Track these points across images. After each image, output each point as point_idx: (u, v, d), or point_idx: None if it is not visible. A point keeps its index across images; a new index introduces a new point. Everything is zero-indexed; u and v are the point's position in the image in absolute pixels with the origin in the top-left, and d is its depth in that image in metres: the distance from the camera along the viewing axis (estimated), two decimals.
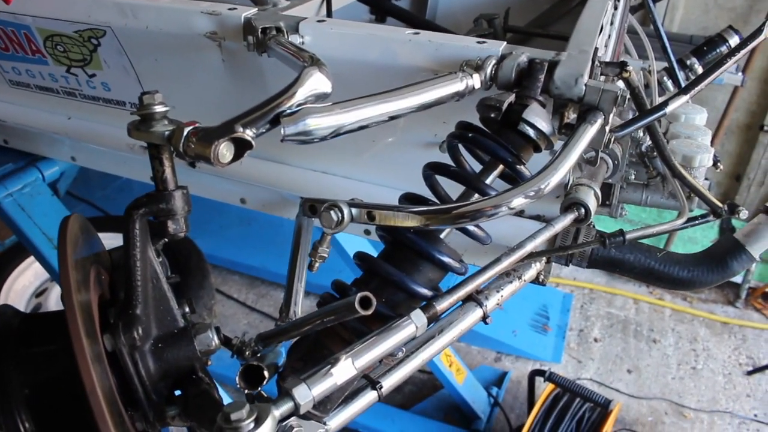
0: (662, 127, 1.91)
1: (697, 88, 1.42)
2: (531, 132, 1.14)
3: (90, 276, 1.10)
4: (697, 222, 1.76)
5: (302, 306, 1.53)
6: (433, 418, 3.37)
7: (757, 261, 1.42)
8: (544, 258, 1.50)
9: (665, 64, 2.15)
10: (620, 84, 1.30)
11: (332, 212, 1.07)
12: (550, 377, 2.95)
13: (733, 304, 4.25)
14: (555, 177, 1.03)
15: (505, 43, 1.29)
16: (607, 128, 1.21)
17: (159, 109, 1.04)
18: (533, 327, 3.98)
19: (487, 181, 1.18)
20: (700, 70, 2.30)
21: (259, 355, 1.25)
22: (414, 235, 1.13)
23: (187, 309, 1.35)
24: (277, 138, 1.89)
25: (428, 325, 1.09)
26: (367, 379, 1.30)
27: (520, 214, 1.60)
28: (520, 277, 1.49)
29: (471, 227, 1.15)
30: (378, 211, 1.06)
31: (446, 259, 1.13)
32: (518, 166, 1.15)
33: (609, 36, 1.71)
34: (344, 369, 0.99)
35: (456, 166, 1.24)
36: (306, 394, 0.95)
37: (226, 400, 1.03)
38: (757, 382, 3.74)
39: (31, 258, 3.18)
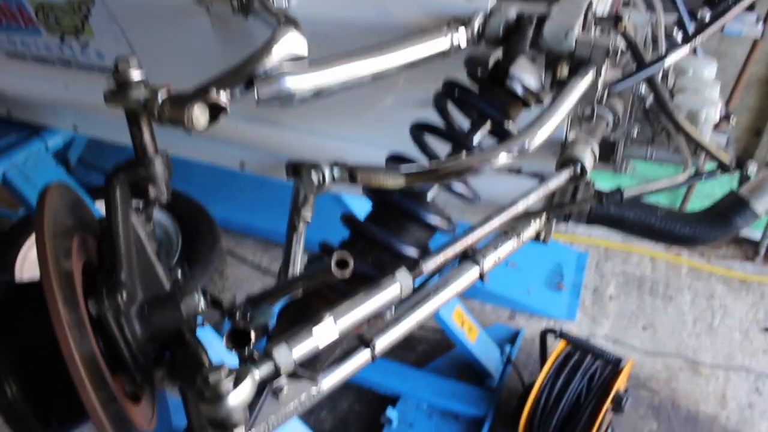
0: (670, 81, 1.86)
1: (697, 39, 1.37)
2: (518, 88, 1.12)
3: (73, 243, 1.10)
4: (703, 178, 1.72)
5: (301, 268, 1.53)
6: (446, 375, 3.39)
7: (760, 217, 1.38)
8: (544, 216, 1.48)
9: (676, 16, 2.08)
10: (616, 37, 1.26)
11: (313, 173, 1.05)
12: (562, 335, 2.93)
13: (751, 261, 4.18)
14: (541, 133, 1.01)
15: None
16: (600, 82, 1.18)
17: (134, 74, 1.03)
18: (547, 285, 3.96)
19: (475, 139, 1.16)
20: None
21: (249, 317, 1.26)
22: (399, 195, 1.11)
23: (180, 274, 1.36)
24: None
25: (415, 285, 1.08)
26: (361, 339, 1.30)
27: (518, 172, 1.57)
28: (518, 236, 1.48)
29: (458, 187, 1.13)
30: (360, 171, 1.04)
31: (432, 219, 1.12)
32: (505, 123, 1.12)
33: None
34: (326, 330, 0.99)
35: (444, 124, 1.22)
36: (286, 355, 0.96)
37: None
38: None
39: None
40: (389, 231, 1.11)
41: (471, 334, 3.26)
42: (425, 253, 1.12)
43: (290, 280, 1.10)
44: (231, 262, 4.19)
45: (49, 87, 2.08)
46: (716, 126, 4.65)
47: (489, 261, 1.37)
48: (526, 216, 1.44)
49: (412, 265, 1.07)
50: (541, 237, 1.67)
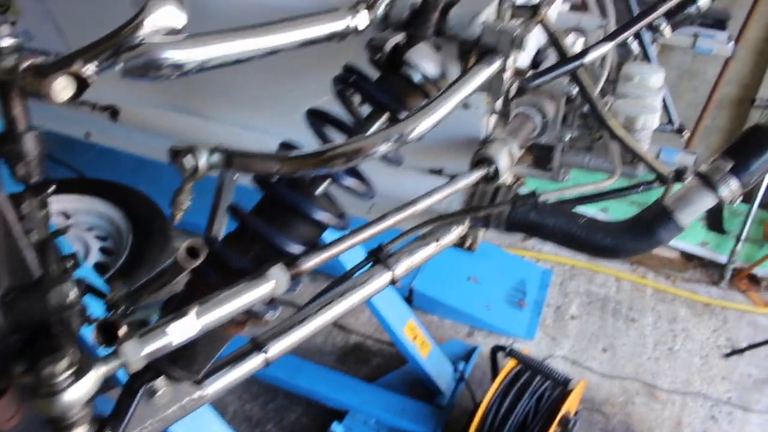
0: (615, 90, 1.81)
1: (621, 36, 1.31)
2: (416, 75, 1.05)
3: None
4: (640, 189, 1.66)
5: None
6: (397, 391, 3.30)
7: (685, 229, 1.31)
8: (466, 220, 1.42)
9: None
10: (534, 27, 1.20)
11: (188, 158, 0.98)
12: (511, 353, 2.86)
13: (717, 285, 4.13)
14: (425, 122, 0.94)
15: None
16: (506, 74, 1.12)
17: (5, 43, 0.97)
18: (509, 302, 3.88)
19: (373, 129, 1.08)
20: (668, 30, 2.18)
21: (130, 310, 1.18)
22: (283, 187, 1.04)
23: (72, 262, 1.28)
24: (207, 91, 1.80)
25: (292, 282, 1.01)
26: (254, 343, 1.22)
27: (439, 172, 1.51)
28: (437, 240, 1.41)
29: (347, 180, 1.06)
30: (237, 157, 0.97)
31: (317, 214, 1.04)
32: (401, 113, 1.05)
33: None
34: (184, 326, 0.91)
35: (347, 112, 1.15)
36: (136, 350, 0.88)
37: None
38: (734, 364, 3.63)
39: None
40: (271, 225, 1.04)
41: (423, 349, 3.18)
42: (311, 249, 1.05)
43: (157, 272, 1.03)
44: None
45: None
46: (687, 145, 4.57)
47: (402, 266, 1.31)
48: (445, 220, 1.37)
49: (290, 262, 1.00)
50: (467, 244, 1.60)
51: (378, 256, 1.32)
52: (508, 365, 2.90)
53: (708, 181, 1.28)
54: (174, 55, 0.91)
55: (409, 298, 3.81)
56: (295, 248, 1.04)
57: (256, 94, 1.61)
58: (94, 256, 3.21)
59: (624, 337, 3.80)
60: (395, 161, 1.09)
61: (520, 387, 2.80)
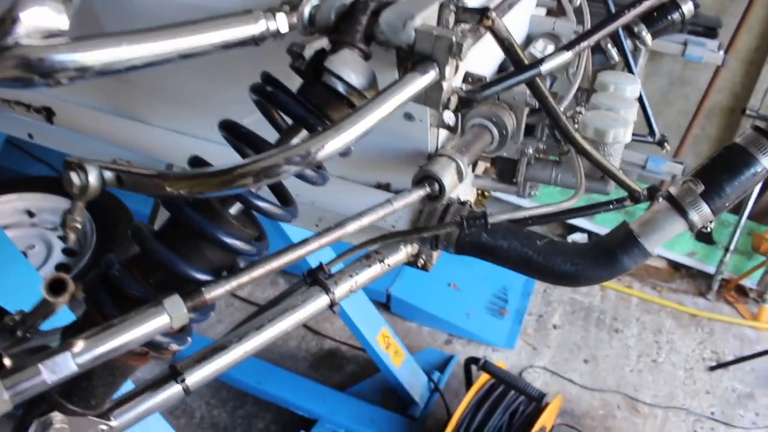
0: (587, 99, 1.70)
1: (582, 44, 1.20)
2: (338, 85, 0.94)
3: None
4: (611, 207, 1.55)
5: None
6: (369, 400, 3.19)
7: (651, 256, 1.20)
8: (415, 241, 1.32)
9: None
10: (483, 33, 1.09)
11: (74, 174, 0.87)
12: (485, 366, 2.75)
13: (704, 296, 4.03)
14: (336, 140, 0.82)
15: None
16: (445, 84, 1.00)
17: None
18: (489, 310, 3.78)
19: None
20: (648, 38, 2.07)
21: (29, 335, 1.08)
22: (188, 208, 0.93)
23: None
24: (144, 95, 1.68)
25: (194, 314, 0.90)
26: (171, 371, 1.12)
27: (386, 187, 1.40)
28: (382, 261, 1.31)
29: (259, 203, 0.95)
30: (128, 176, 0.86)
31: (225, 238, 0.93)
32: (320, 126, 0.94)
33: None
34: (60, 364, 0.81)
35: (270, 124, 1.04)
36: None
37: None
38: (718, 378, 3.53)
39: None
40: (174, 249, 0.93)
41: (396, 358, 3.08)
42: (222, 275, 0.94)
43: (38, 303, 0.92)
44: None
45: None
46: (675, 154, 4.44)
47: (342, 289, 1.21)
48: (389, 239, 1.27)
49: (191, 293, 0.89)
50: (419, 263, 1.49)
51: (316, 277, 1.22)
52: (481, 379, 2.80)
53: (677, 206, 1.16)
54: (53, 58, 0.80)
55: (387, 303, 3.71)
56: (200, 276, 0.93)
57: (194, 100, 1.50)
58: (57, 257, 3.10)
59: (607, 348, 3.70)
60: (315, 181, 0.98)
61: (493, 401, 2.70)
